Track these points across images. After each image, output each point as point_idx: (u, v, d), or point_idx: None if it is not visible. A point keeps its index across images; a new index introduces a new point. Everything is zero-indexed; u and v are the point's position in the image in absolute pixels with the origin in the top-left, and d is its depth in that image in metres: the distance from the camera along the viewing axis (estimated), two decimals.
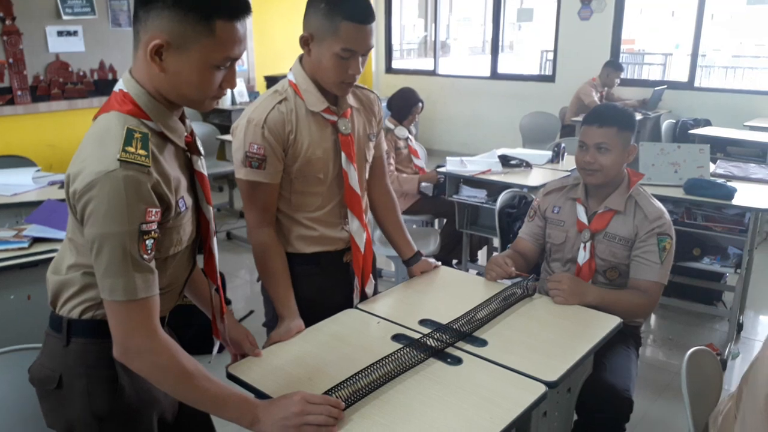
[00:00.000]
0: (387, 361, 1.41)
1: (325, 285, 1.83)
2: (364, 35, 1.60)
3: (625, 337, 2.05)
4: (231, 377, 1.44)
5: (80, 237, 1.16)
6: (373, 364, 1.39)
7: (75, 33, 5.17)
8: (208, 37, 1.14)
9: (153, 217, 1.12)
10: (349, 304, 1.82)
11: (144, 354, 1.14)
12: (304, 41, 1.65)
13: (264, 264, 1.74)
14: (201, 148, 1.33)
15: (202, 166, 1.33)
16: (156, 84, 1.18)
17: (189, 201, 1.27)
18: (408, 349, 1.47)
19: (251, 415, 1.20)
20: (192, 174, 1.30)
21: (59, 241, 2.34)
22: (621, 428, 1.85)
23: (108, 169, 1.07)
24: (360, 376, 1.35)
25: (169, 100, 1.21)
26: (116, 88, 1.20)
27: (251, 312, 3.49)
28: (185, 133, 1.27)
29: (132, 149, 1.10)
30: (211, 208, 1.36)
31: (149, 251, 1.12)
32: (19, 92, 4.91)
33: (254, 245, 1.74)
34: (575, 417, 1.86)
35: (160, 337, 1.15)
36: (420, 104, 3.93)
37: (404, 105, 3.87)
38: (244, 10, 1.18)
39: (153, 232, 1.13)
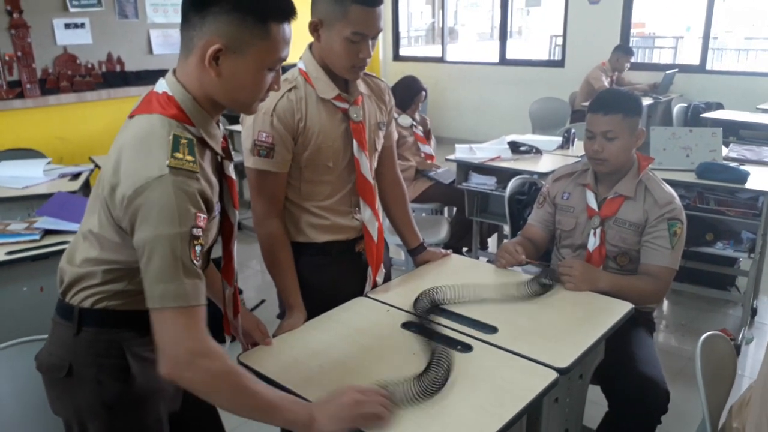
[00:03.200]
0: (437, 366, 1.37)
1: (337, 275, 1.83)
2: (374, 18, 1.60)
3: (640, 323, 2.04)
4: (242, 366, 1.44)
5: (111, 234, 1.16)
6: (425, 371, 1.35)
7: (82, 25, 5.17)
8: (264, 40, 1.16)
9: (201, 223, 1.12)
10: (360, 294, 1.82)
11: (198, 360, 1.08)
12: (313, 27, 1.64)
13: (272, 255, 1.73)
14: (233, 154, 1.34)
15: (232, 170, 1.34)
16: (207, 89, 1.19)
17: (219, 206, 1.28)
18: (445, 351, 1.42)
19: (306, 415, 1.16)
20: (220, 178, 1.31)
21: (70, 233, 2.36)
22: (658, 420, 1.84)
23: (158, 174, 1.07)
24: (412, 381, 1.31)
25: (218, 104, 1.22)
26: (158, 89, 1.20)
27: (263, 301, 3.50)
28: (221, 139, 1.29)
29: (180, 155, 1.10)
30: (236, 213, 1.37)
31: (198, 257, 1.11)
32: (28, 85, 4.93)
33: (261, 236, 1.73)
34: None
35: (212, 342, 1.12)
36: (423, 92, 3.92)
37: (407, 94, 3.86)
38: (293, 11, 1.21)
39: (201, 238, 1.12)
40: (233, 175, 1.35)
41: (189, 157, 1.12)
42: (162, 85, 1.21)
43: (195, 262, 1.10)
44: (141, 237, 1.08)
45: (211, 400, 1.15)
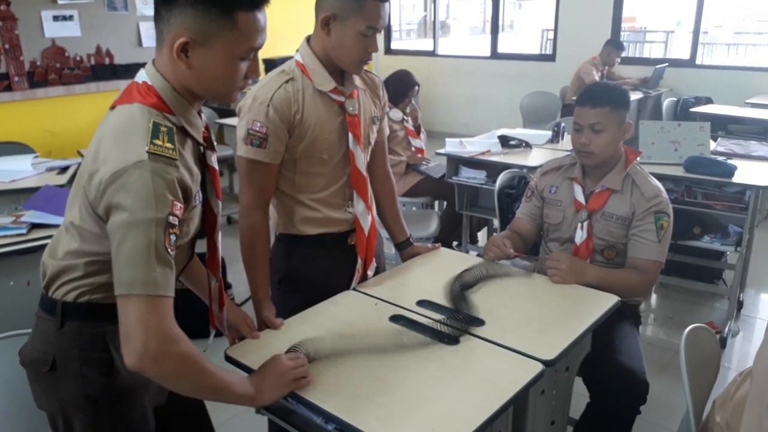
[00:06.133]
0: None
1: (330, 267, 1.83)
2: (385, 12, 1.63)
3: (626, 316, 2.05)
4: (229, 360, 1.45)
5: (91, 225, 1.15)
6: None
7: (71, 17, 5.12)
8: (232, 30, 1.15)
9: (178, 211, 1.11)
10: None
11: (166, 346, 1.07)
12: (325, 21, 1.64)
13: (252, 246, 1.72)
14: (215, 144, 1.34)
15: (215, 161, 1.34)
16: (182, 80, 1.19)
17: (200, 195, 1.28)
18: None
19: (252, 388, 1.23)
20: (203, 168, 1.31)
21: (58, 226, 2.33)
22: (637, 411, 1.85)
23: (136, 159, 1.07)
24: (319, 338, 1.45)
25: (196, 94, 1.22)
26: (138, 79, 1.21)
27: None
28: (203, 128, 1.28)
29: (159, 142, 1.10)
30: (219, 203, 1.37)
31: (172, 246, 1.11)
32: (16, 78, 4.88)
33: (244, 226, 1.73)
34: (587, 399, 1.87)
35: (178, 329, 1.11)
36: (416, 87, 3.91)
37: (400, 88, 3.85)
38: None
39: (176, 227, 1.11)
40: (216, 165, 1.34)
41: (168, 145, 1.12)
42: (142, 75, 1.21)
43: (169, 250, 1.09)
44: (115, 220, 1.07)
45: (178, 385, 1.15)
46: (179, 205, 1.12)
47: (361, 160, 1.78)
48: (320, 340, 1.45)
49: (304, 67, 1.70)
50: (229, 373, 1.21)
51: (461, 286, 1.76)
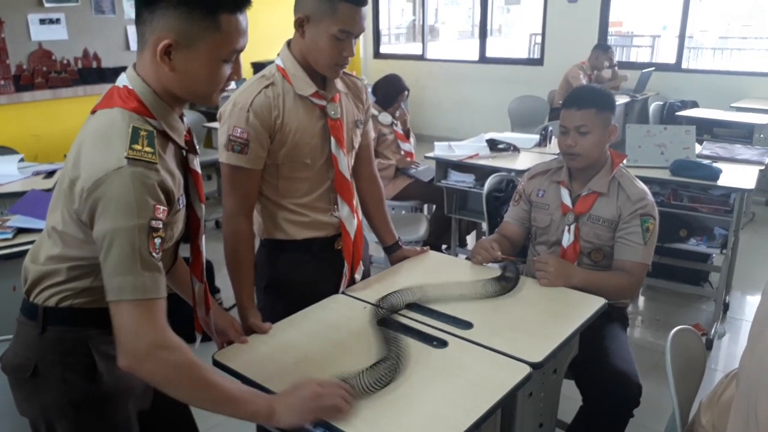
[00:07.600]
0: (393, 357, 1.41)
1: (317, 272, 1.83)
2: (360, 17, 1.62)
3: (614, 318, 2.07)
4: (217, 364, 1.44)
5: (74, 230, 1.15)
6: (381, 361, 1.39)
7: (57, 21, 5.10)
8: (215, 32, 1.16)
9: (161, 215, 1.11)
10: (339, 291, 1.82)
11: (157, 352, 1.08)
12: (299, 23, 1.64)
13: (235, 254, 1.71)
14: (197, 147, 1.34)
15: (197, 164, 1.34)
16: (165, 83, 1.19)
17: (184, 199, 1.28)
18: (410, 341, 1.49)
19: (267, 407, 1.18)
20: (186, 172, 1.31)
21: None
22: (631, 413, 1.86)
23: (116, 166, 1.07)
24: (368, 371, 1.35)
25: (178, 97, 1.22)
26: (119, 83, 1.20)
27: None
28: (184, 132, 1.28)
29: (139, 147, 1.10)
30: (203, 206, 1.37)
31: (157, 250, 1.11)
32: (2, 82, 4.85)
33: (228, 232, 1.72)
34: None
35: (171, 334, 1.12)
36: (406, 92, 3.92)
37: (390, 92, 3.86)
38: (246, 1, 1.20)
39: (161, 230, 1.12)
40: (198, 168, 1.34)
41: (148, 149, 1.12)
42: (123, 80, 1.21)
43: (154, 254, 1.10)
44: (100, 229, 1.08)
45: (171, 392, 1.14)
46: (162, 208, 1.12)
47: (345, 164, 1.78)
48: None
49: (284, 72, 1.70)
50: (242, 389, 1.20)
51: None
